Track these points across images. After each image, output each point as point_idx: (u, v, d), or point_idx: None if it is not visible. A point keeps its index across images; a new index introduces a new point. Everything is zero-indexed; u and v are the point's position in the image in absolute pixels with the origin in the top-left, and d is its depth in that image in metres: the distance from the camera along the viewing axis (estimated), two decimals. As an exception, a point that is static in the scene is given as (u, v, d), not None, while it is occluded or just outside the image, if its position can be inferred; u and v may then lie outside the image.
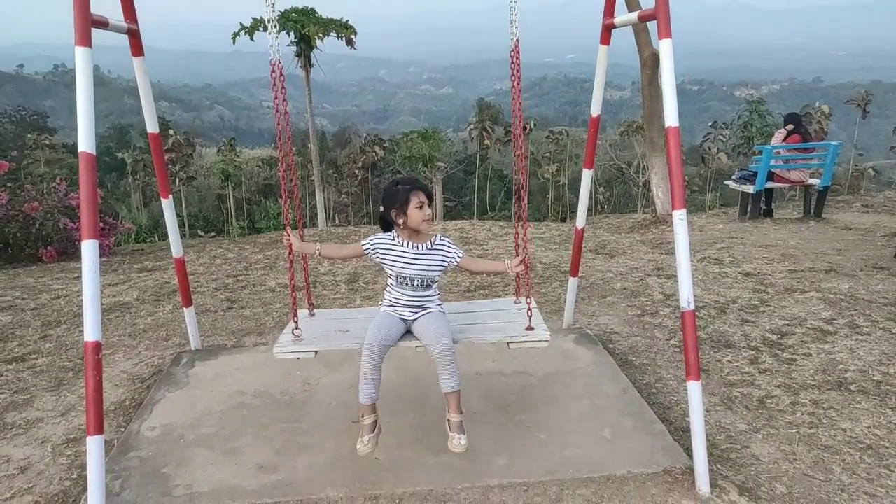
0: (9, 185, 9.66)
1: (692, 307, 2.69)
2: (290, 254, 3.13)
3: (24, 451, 3.15)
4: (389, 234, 3.01)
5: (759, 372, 3.84)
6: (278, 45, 3.28)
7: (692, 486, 2.68)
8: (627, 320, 4.83)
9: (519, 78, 3.05)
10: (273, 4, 3.24)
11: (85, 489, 2.65)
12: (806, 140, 8.86)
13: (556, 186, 53.93)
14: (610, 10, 3.43)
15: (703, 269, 6.20)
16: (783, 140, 8.85)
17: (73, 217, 9.28)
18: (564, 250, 7.34)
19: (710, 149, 49.35)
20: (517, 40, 3.02)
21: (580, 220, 4.17)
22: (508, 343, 3.03)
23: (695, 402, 2.71)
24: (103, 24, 2.71)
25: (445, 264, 3.01)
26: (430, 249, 2.98)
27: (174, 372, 3.88)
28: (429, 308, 3.02)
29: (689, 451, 2.86)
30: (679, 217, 2.67)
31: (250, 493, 2.73)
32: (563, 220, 36.16)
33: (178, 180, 43.52)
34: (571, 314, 4.51)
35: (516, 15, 3.01)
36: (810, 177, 8.90)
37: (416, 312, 3.00)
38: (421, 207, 2.89)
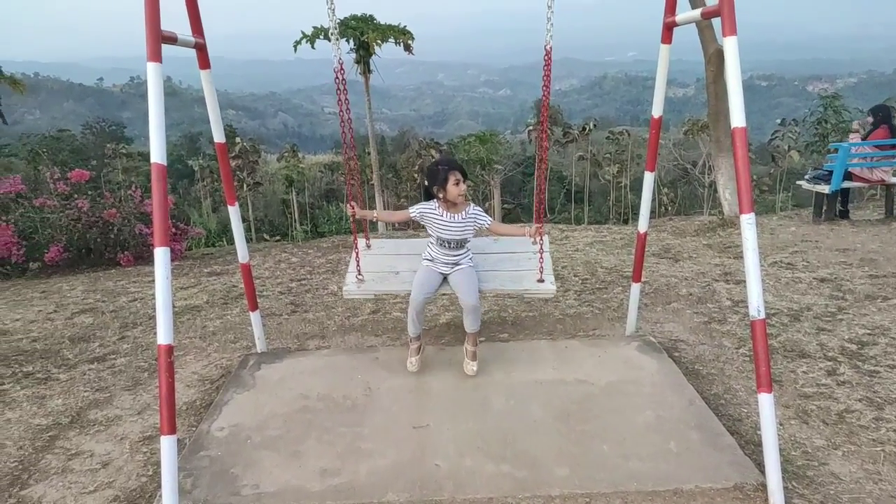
0: (90, 192, 10.23)
1: (763, 315, 2.57)
2: (352, 215, 3.89)
3: (105, 447, 3.33)
4: (432, 203, 3.71)
5: (838, 384, 3.64)
6: (340, 52, 3.45)
7: (765, 503, 2.57)
8: (693, 328, 4.67)
9: (549, 79, 3.49)
10: (334, 9, 3.39)
11: (160, 486, 2.78)
12: (894, 135, 8.27)
13: (617, 188, 52.84)
14: (671, 7, 3.33)
15: (774, 274, 5.94)
16: (866, 135, 8.34)
17: (148, 223, 9.74)
18: (626, 254, 7.17)
19: (779, 147, 47.20)
20: (550, 48, 3.34)
21: (642, 223, 4.07)
22: (523, 294, 3.98)
23: (767, 415, 2.60)
24: (172, 40, 2.83)
25: (477, 227, 3.75)
26: (464, 219, 3.69)
27: (241, 374, 4.01)
28: (461, 264, 3.81)
29: (760, 467, 2.74)
30: (747, 221, 2.57)
31: (314, 496, 2.78)
32: (626, 222, 35.37)
33: (244, 186, 45.06)
34: (634, 321, 4.40)
35: (552, 24, 3.27)
36: (893, 175, 8.37)
37: (451, 267, 3.80)
38: (457, 184, 3.58)
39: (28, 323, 5.71)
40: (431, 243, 3.85)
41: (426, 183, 3.74)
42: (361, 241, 4.39)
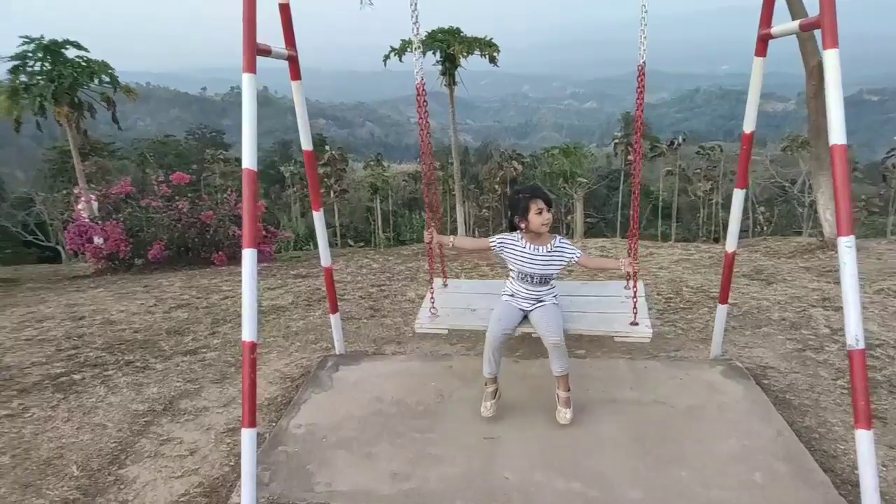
0: (189, 195, 10.92)
1: (862, 345, 2.40)
2: (429, 243, 3.67)
3: (192, 436, 3.53)
4: (515, 234, 3.47)
5: (951, 425, 3.32)
6: (423, 68, 3.55)
7: (860, 549, 2.38)
8: (785, 354, 4.40)
9: (643, 96, 3.32)
10: (418, 29, 3.46)
11: (240, 476, 2.91)
12: None
13: (707, 205, 50.73)
14: (767, 19, 3.18)
15: (881, 302, 5.50)
16: None
17: (241, 225, 10.26)
18: (714, 274, 6.87)
19: (894, 167, 43.75)
20: (644, 62, 3.22)
21: (731, 242, 3.88)
22: (613, 336, 3.60)
23: (865, 454, 2.41)
24: (266, 52, 2.98)
25: (564, 262, 3.46)
26: (549, 252, 3.41)
27: (320, 375, 4.14)
28: (544, 301, 3.49)
29: (857, 509, 2.54)
30: (846, 244, 2.41)
31: (384, 499, 2.83)
32: (716, 241, 33.86)
33: (332, 193, 46.65)
34: (720, 344, 4.21)
35: (645, 37, 3.13)
36: None
37: (533, 304, 3.49)
38: (540, 213, 3.34)
39: (131, 314, 6.15)
40: (512, 278, 3.56)
41: (508, 214, 3.53)
42: (437, 281, 4.23)
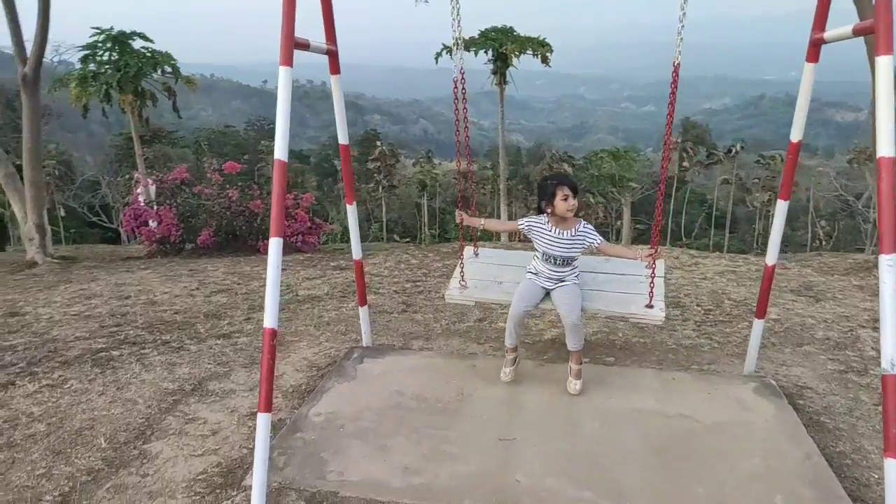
0: (239, 184, 11.20)
1: (899, 371, 2.27)
2: (460, 223, 3.89)
3: (217, 417, 3.62)
4: (542, 217, 3.67)
5: None
6: (462, 60, 3.65)
7: (882, 583, 2.26)
8: (826, 375, 4.22)
9: (674, 96, 3.38)
10: (459, 21, 3.51)
11: (256, 459, 2.97)
12: None
13: (765, 216, 48.94)
14: (820, 22, 3.05)
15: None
16: None
17: (289, 216, 10.47)
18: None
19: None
20: (678, 63, 3.27)
21: (771, 255, 3.74)
22: (629, 318, 3.88)
23: (894, 484, 2.28)
24: (305, 46, 3.02)
25: (586, 246, 3.67)
26: (573, 236, 3.61)
27: (345, 365, 4.20)
28: (566, 281, 3.71)
29: (883, 542, 2.41)
30: (888, 263, 2.28)
31: (394, 492, 2.84)
32: (770, 253, 32.56)
33: (381, 188, 47.15)
34: (754, 360, 4.06)
35: (682, 38, 3.16)
36: None
37: (555, 283, 3.72)
38: (566, 199, 3.52)
39: (174, 296, 6.37)
40: (537, 257, 3.80)
41: (537, 198, 3.75)
42: (468, 250, 4.48)
